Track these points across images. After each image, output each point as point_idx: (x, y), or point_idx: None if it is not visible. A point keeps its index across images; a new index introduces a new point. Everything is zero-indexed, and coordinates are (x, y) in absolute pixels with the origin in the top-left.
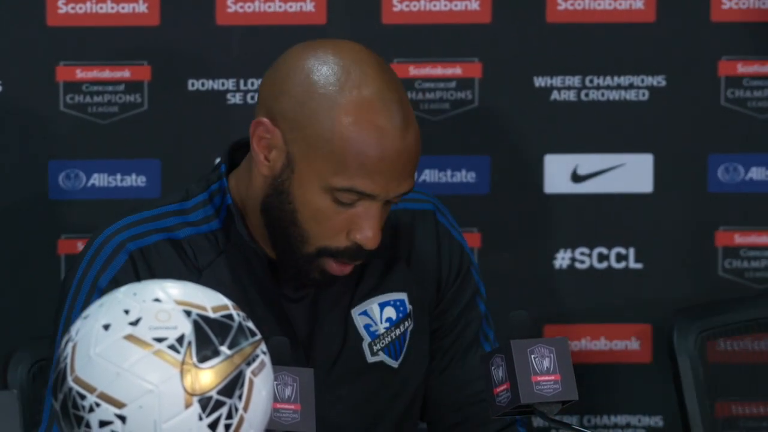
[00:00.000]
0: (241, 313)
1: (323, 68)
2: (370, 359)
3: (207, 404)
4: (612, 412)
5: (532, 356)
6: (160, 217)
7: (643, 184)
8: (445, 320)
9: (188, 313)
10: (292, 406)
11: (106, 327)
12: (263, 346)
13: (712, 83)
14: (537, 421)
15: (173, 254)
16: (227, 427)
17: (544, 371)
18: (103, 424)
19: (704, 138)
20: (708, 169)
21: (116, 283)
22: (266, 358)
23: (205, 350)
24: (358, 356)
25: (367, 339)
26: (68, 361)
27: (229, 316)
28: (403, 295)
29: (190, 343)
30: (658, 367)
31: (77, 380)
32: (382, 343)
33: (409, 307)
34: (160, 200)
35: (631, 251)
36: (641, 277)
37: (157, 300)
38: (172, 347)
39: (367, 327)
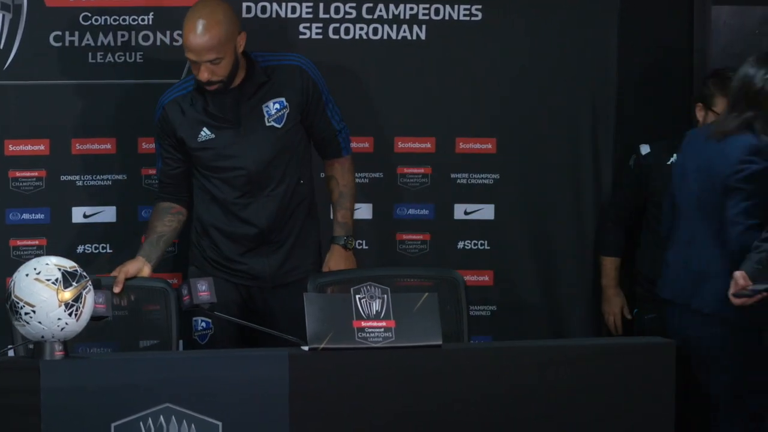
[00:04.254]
0: (80, 269)
1: None
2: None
3: (68, 306)
4: None
5: None
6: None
7: None
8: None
9: (59, 268)
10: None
11: (27, 275)
12: (89, 283)
13: None
14: None
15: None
16: (76, 315)
17: None
18: (25, 314)
19: None
20: None
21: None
22: (90, 288)
23: (66, 283)
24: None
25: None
26: (11, 287)
27: (75, 270)
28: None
29: (58, 280)
30: None
31: (17, 296)
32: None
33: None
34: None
35: None
36: None
37: (47, 264)
38: (53, 282)
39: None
